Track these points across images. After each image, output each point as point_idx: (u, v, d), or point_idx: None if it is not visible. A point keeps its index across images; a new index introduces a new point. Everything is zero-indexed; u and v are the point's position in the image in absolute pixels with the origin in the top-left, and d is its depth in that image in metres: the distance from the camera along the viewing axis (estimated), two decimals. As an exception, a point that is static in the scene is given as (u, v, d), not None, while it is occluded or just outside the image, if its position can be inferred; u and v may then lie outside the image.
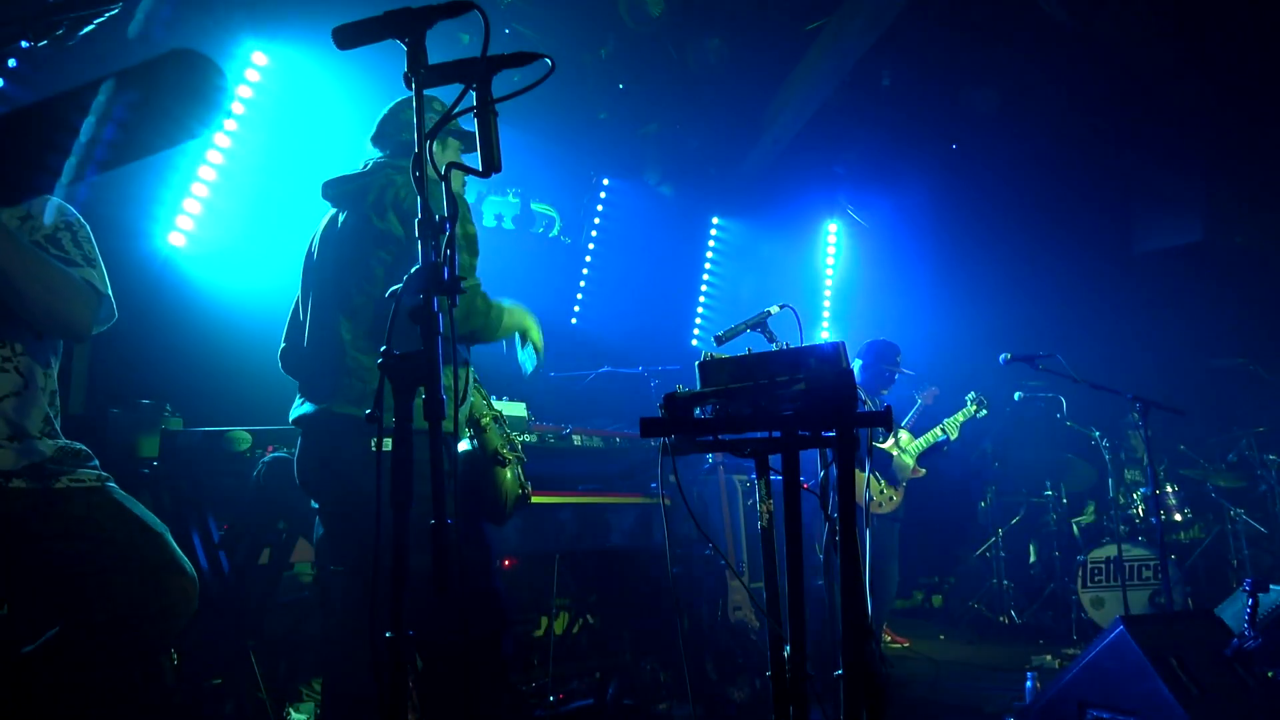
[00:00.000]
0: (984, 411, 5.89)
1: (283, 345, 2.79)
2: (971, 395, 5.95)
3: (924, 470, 5.83)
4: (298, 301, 2.79)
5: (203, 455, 3.38)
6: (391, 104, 2.81)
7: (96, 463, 2.19)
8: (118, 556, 2.05)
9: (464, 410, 2.63)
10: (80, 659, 2.01)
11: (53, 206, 2.15)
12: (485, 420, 2.69)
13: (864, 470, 4.79)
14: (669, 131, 6.82)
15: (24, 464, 2.03)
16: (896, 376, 5.55)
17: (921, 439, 5.83)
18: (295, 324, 2.77)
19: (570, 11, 5.63)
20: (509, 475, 2.64)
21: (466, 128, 2.78)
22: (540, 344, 2.79)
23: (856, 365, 5.21)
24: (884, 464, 5.30)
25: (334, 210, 2.72)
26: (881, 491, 5.39)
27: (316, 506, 2.60)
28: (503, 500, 2.61)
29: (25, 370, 2.08)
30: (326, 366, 2.51)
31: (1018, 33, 6.48)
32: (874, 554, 4.97)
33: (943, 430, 5.82)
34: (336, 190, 2.67)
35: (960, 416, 5.88)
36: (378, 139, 2.78)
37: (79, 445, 2.17)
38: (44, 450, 2.07)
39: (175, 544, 2.16)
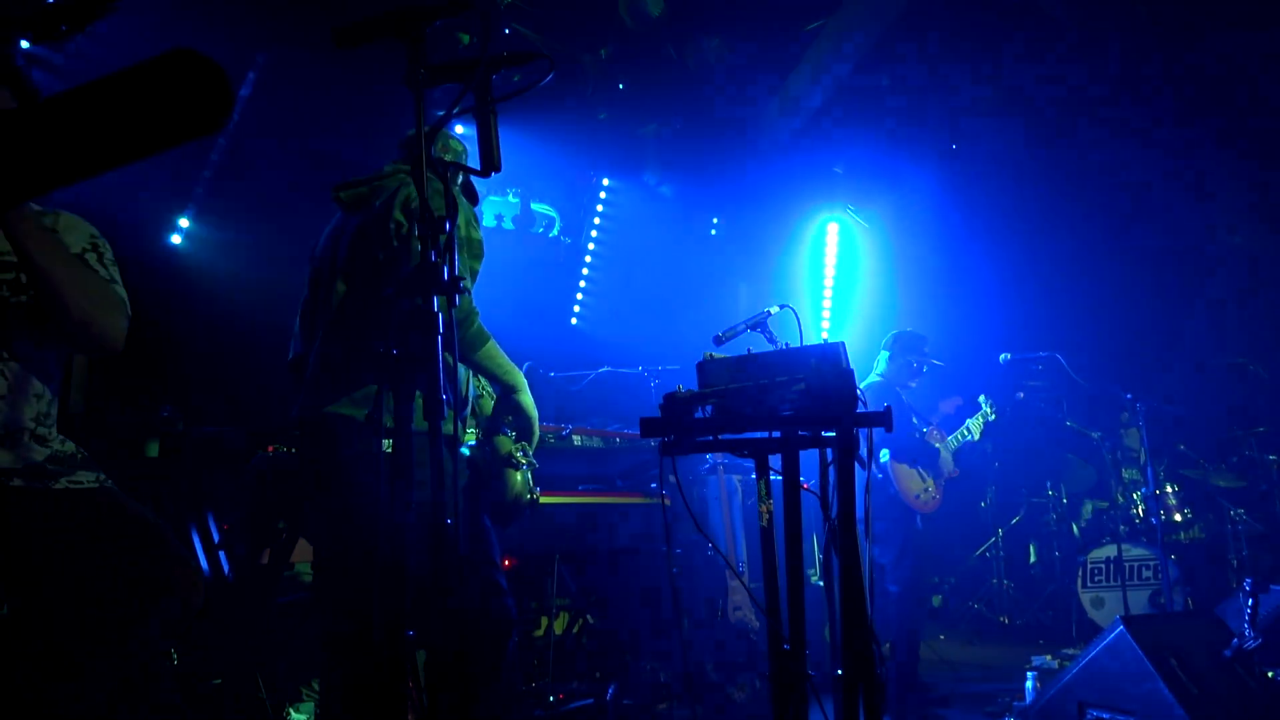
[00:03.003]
0: (994, 415, 5.95)
1: (291, 357, 2.76)
2: (984, 398, 6.01)
3: (958, 470, 5.87)
4: (302, 311, 2.77)
5: (203, 455, 3.38)
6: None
7: (95, 466, 2.19)
8: (121, 555, 2.05)
9: (467, 409, 2.62)
10: (90, 657, 2.01)
11: (81, 225, 2.16)
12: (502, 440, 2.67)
13: (865, 470, 4.79)
14: (669, 131, 6.82)
15: (21, 464, 2.03)
16: (925, 368, 5.46)
17: (951, 438, 5.88)
18: (300, 332, 2.76)
19: (570, 11, 5.63)
20: (519, 479, 2.63)
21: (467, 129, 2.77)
22: (532, 410, 2.60)
23: (884, 357, 5.16)
24: (932, 459, 5.30)
25: (342, 213, 2.69)
26: (926, 490, 5.37)
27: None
28: (510, 502, 2.60)
29: (14, 375, 2.08)
30: (329, 367, 2.51)
31: (1017, 32, 6.48)
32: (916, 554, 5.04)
33: (968, 431, 5.86)
34: (349, 192, 2.63)
35: (980, 418, 5.94)
36: (406, 146, 2.77)
37: (76, 448, 2.17)
38: (39, 451, 2.07)
39: (176, 539, 2.17)
